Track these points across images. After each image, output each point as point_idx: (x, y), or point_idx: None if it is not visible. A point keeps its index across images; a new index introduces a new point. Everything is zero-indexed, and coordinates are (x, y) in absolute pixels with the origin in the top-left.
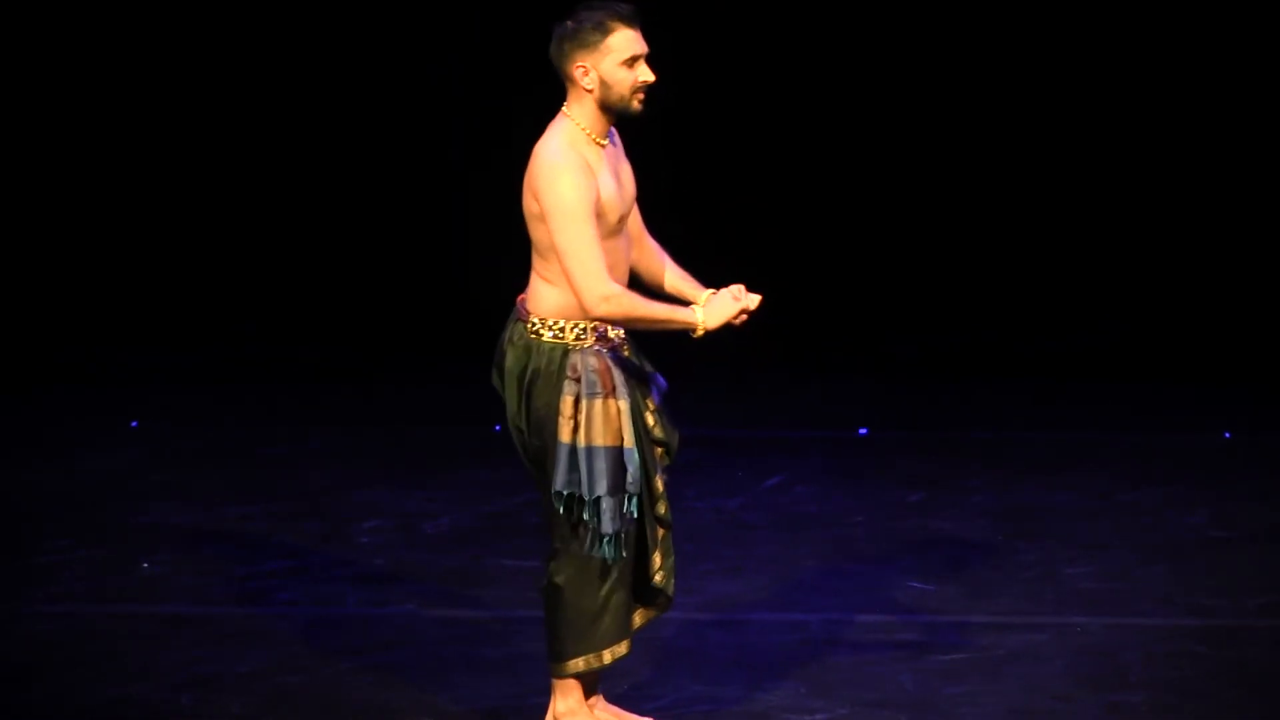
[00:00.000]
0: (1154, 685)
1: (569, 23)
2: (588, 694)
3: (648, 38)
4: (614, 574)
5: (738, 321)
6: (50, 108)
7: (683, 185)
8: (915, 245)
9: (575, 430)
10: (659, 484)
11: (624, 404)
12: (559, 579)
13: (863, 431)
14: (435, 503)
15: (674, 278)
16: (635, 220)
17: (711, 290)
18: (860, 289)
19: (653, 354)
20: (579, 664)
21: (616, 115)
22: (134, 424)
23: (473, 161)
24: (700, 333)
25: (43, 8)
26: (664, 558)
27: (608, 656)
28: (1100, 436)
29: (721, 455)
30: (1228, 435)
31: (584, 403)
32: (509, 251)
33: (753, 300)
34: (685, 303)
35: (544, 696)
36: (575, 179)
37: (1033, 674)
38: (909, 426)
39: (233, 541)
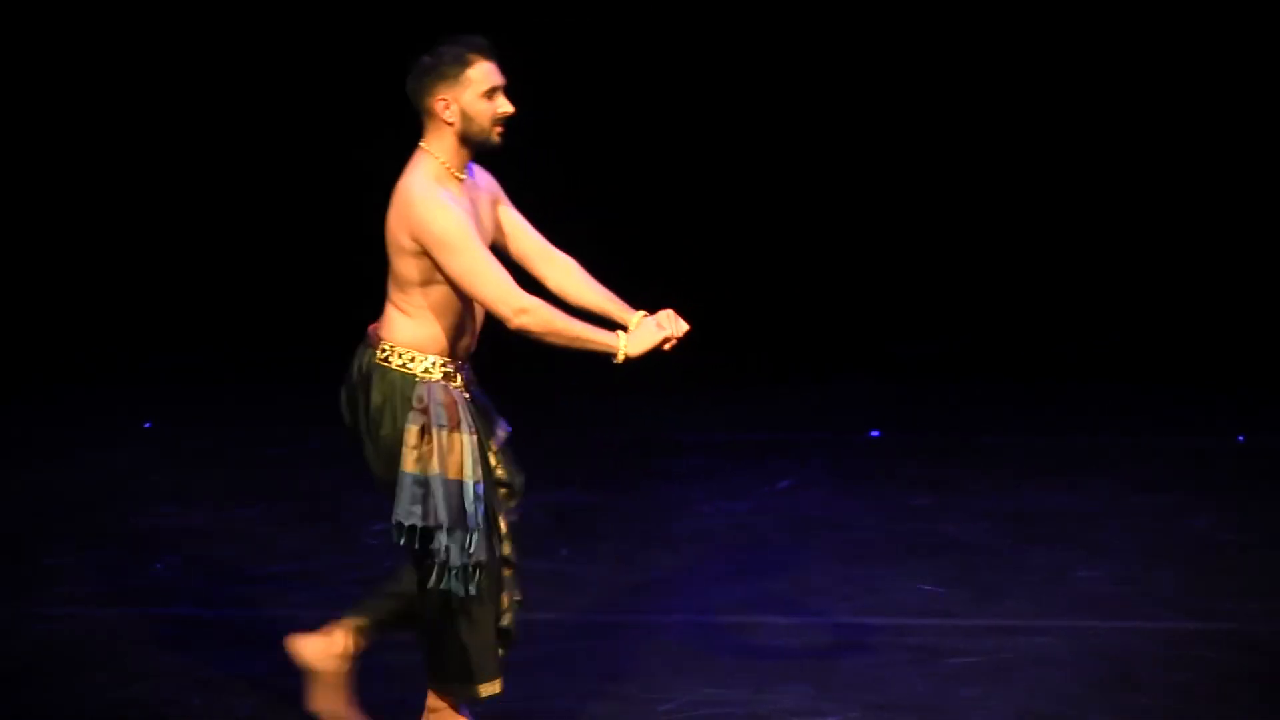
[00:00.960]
0: (1163, 689)
1: (427, 58)
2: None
3: (506, 70)
4: (477, 609)
5: (666, 348)
6: (60, 109)
7: (689, 185)
8: (925, 247)
9: (419, 460)
10: (503, 524)
11: (469, 439)
12: (427, 607)
13: (875, 434)
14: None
15: (599, 297)
16: (534, 241)
17: (644, 313)
18: (869, 291)
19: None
20: (454, 691)
21: (476, 148)
22: (147, 424)
23: None
24: (621, 358)
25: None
26: (509, 598)
27: (483, 691)
28: (1110, 440)
29: (729, 459)
30: (1241, 439)
31: (430, 433)
32: None
33: (680, 328)
34: (610, 324)
35: (556, 699)
36: (453, 210)
37: (1042, 677)
38: (917, 429)
39: (240, 543)
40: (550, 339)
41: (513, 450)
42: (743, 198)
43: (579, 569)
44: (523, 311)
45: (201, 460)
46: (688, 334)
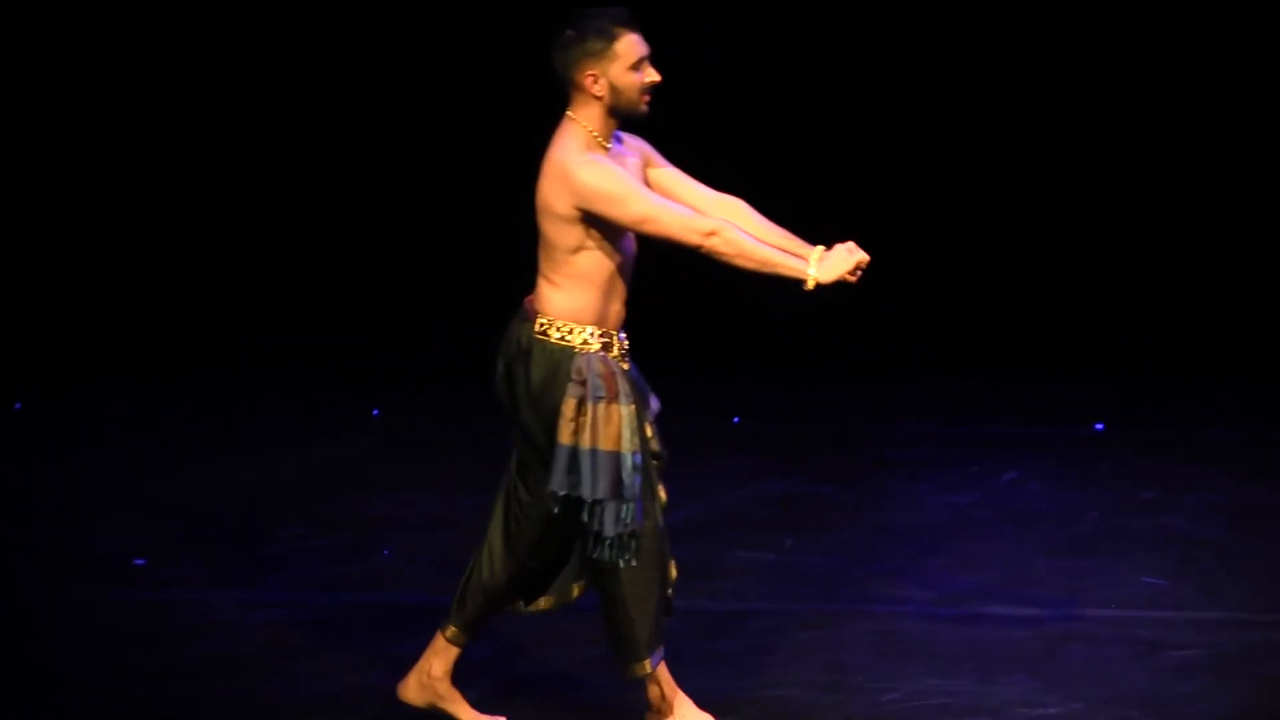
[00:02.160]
0: None
1: (571, 31)
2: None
3: (649, 39)
4: (635, 584)
5: (853, 278)
6: (131, 98)
7: (916, 173)
8: (1154, 240)
9: (576, 432)
10: (662, 494)
11: (627, 410)
12: (609, 590)
13: (1099, 426)
14: (670, 494)
15: (775, 234)
16: (697, 191)
17: (822, 247)
18: (1097, 283)
19: None
20: (633, 670)
21: (624, 118)
22: (375, 412)
23: None
24: (812, 285)
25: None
26: (674, 569)
27: (649, 665)
28: None
29: (953, 451)
30: None
31: (588, 405)
32: None
33: (862, 256)
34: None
35: (780, 689)
36: (610, 164)
37: (1266, 673)
38: (1143, 423)
39: (464, 531)
40: (739, 261)
41: (659, 426)
42: (972, 185)
43: (804, 559)
44: (711, 233)
45: (426, 450)
46: (871, 266)
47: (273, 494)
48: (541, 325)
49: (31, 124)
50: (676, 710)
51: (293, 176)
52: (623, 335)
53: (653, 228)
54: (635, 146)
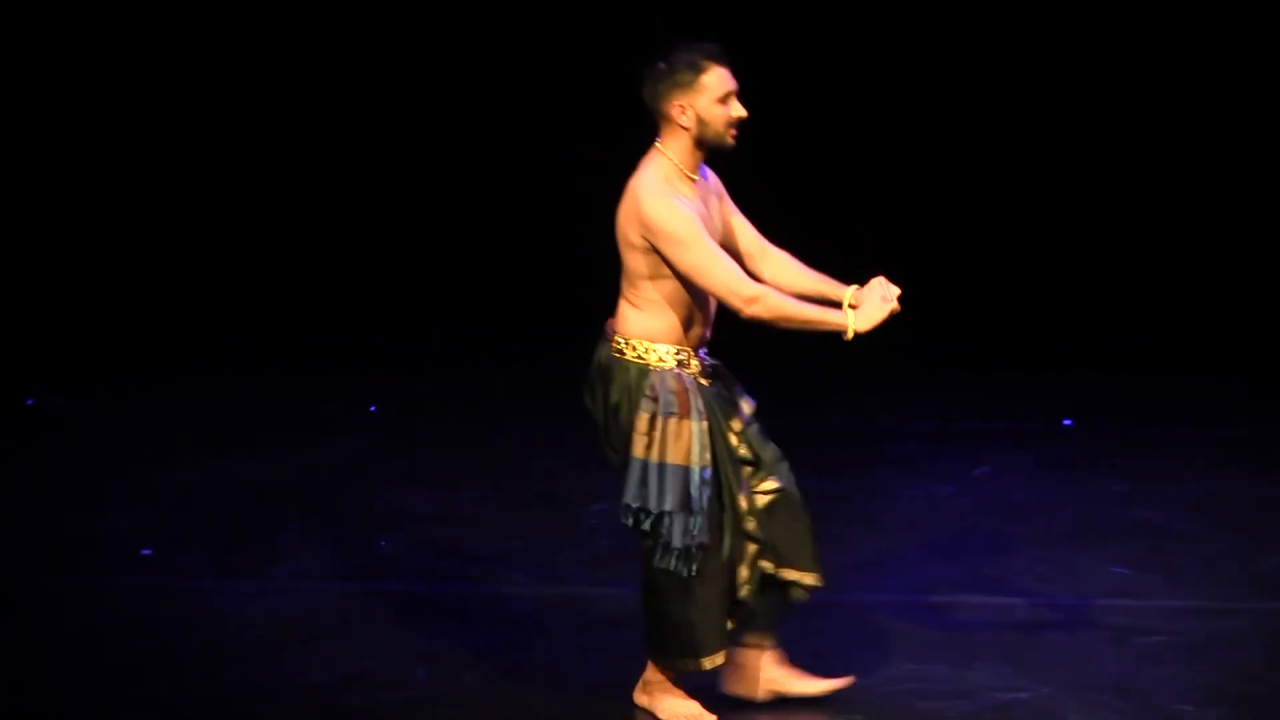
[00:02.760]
0: None
1: (662, 65)
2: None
3: (737, 75)
4: (700, 587)
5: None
6: (145, 98)
7: (894, 176)
8: (1120, 242)
9: (648, 446)
10: (743, 502)
11: (698, 425)
12: (652, 585)
13: (1067, 422)
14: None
15: (813, 281)
16: (752, 238)
17: (854, 287)
18: (1069, 286)
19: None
20: (674, 665)
21: (711, 150)
22: (373, 409)
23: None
24: (850, 335)
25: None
26: (750, 572)
27: (707, 664)
28: None
29: (932, 447)
30: None
31: (659, 420)
32: None
33: (894, 292)
34: (832, 303)
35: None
36: (680, 205)
37: (1231, 657)
38: (1112, 420)
39: (466, 523)
40: (782, 324)
41: (759, 424)
42: (944, 188)
43: None
44: (753, 301)
45: (429, 445)
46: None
47: (274, 488)
48: (619, 344)
49: (39, 125)
50: (661, 694)
51: (288, 175)
52: (703, 353)
53: (701, 280)
54: (715, 182)
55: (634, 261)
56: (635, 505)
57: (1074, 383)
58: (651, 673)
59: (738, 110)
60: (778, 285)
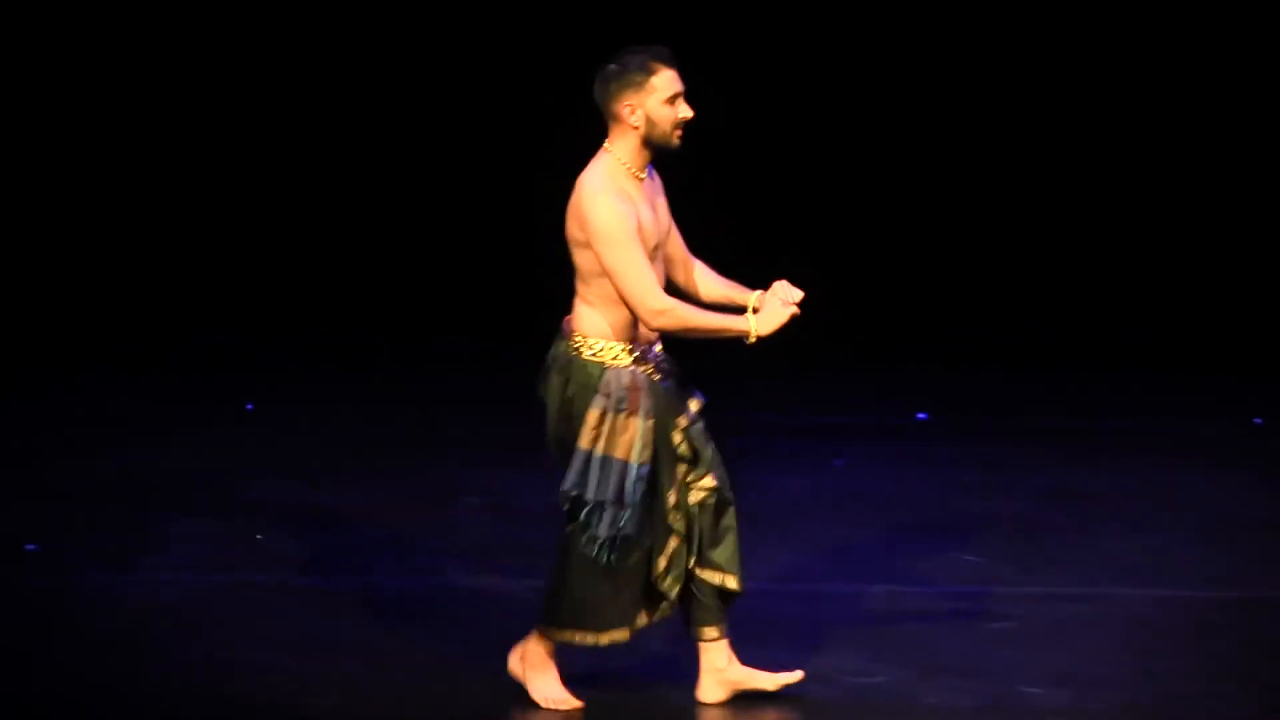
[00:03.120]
0: (1189, 654)
1: (613, 66)
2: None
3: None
4: (616, 572)
5: (787, 319)
6: (136, 98)
7: (731, 179)
8: (972, 241)
9: (595, 440)
10: (672, 497)
11: (644, 424)
12: (568, 559)
13: (921, 416)
14: (527, 480)
15: (720, 286)
16: (680, 246)
17: (759, 291)
18: (920, 284)
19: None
20: (568, 635)
21: (657, 150)
22: (249, 406)
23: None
24: (753, 339)
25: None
26: (671, 566)
27: (604, 639)
28: (1142, 423)
29: (789, 440)
30: (1259, 421)
31: (609, 416)
32: None
33: (796, 295)
34: (737, 309)
35: (625, 659)
36: (618, 206)
37: (1077, 641)
38: (964, 413)
39: (341, 516)
40: (687, 334)
41: (704, 421)
42: (806, 187)
43: None
44: (661, 314)
45: (304, 441)
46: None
47: (156, 484)
48: (576, 343)
49: None
50: (542, 670)
51: (181, 174)
52: (656, 350)
53: (617, 283)
54: (658, 184)
55: (581, 259)
56: (573, 493)
57: (928, 378)
58: (534, 644)
59: (684, 111)
60: (690, 289)
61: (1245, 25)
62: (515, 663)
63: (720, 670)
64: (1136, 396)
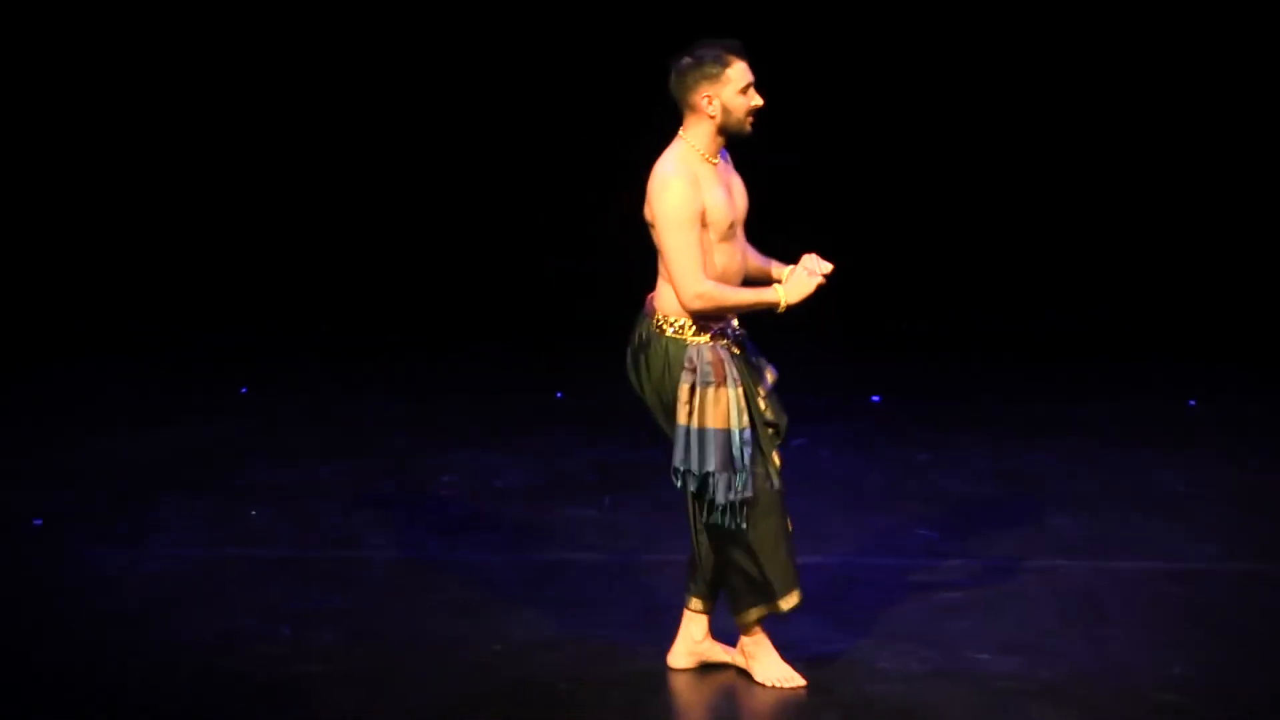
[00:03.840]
0: (1129, 622)
1: (688, 59)
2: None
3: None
4: (756, 537)
5: (814, 288)
6: (132, 94)
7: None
8: (922, 232)
9: (690, 414)
10: (776, 458)
11: (734, 391)
12: (716, 548)
13: (875, 399)
14: (505, 460)
15: (757, 260)
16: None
17: (791, 266)
18: (876, 274)
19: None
20: (756, 614)
21: (731, 137)
22: (244, 390)
23: (534, 171)
24: (783, 308)
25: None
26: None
27: (784, 606)
28: (1085, 406)
29: None
30: (1192, 403)
31: (698, 390)
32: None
33: (825, 267)
34: (768, 282)
35: (602, 630)
36: (682, 191)
37: (1023, 611)
38: (918, 397)
39: (328, 494)
40: (722, 312)
41: (777, 394)
42: (758, 172)
43: (622, 517)
44: (699, 296)
45: (294, 423)
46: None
47: (154, 464)
48: (659, 321)
49: None
50: (762, 657)
51: (167, 167)
52: (734, 324)
53: (666, 260)
54: (729, 165)
55: (657, 241)
56: (681, 468)
57: (883, 364)
58: (743, 636)
59: (756, 100)
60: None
61: (1189, 15)
62: (737, 659)
63: (696, 642)
64: (1079, 381)
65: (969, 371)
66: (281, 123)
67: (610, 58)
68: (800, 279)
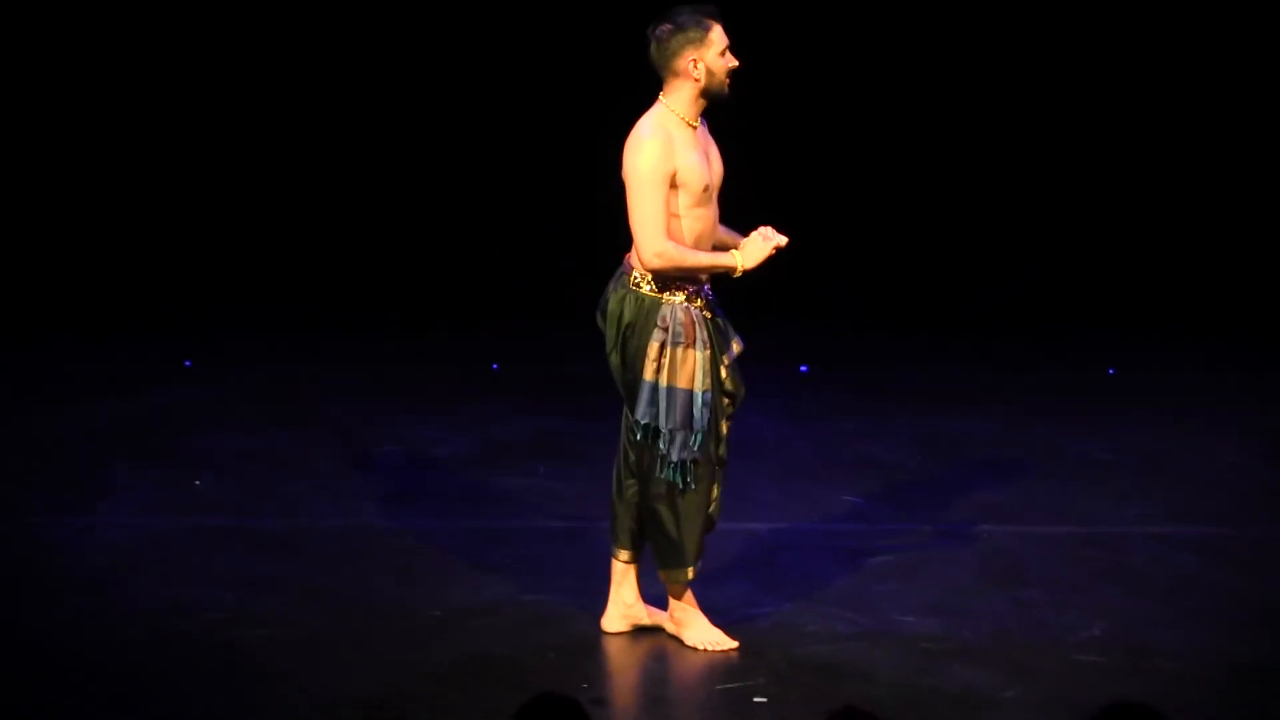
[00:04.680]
0: (1050, 584)
1: (667, 25)
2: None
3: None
4: (689, 503)
5: (770, 253)
6: (113, 85)
7: None
8: (849, 208)
9: (658, 371)
10: (723, 428)
11: (702, 354)
12: (652, 501)
13: (803, 369)
14: (445, 430)
15: (723, 233)
16: None
17: (748, 237)
18: (803, 245)
19: None
20: (680, 574)
21: (712, 99)
22: (187, 364)
23: (494, 156)
24: (739, 273)
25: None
26: (717, 490)
27: (692, 572)
28: (1005, 375)
29: None
30: (1111, 371)
31: (668, 349)
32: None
33: (781, 239)
34: (727, 250)
35: (539, 595)
36: (654, 151)
37: (948, 574)
38: (844, 365)
39: (271, 463)
40: (681, 272)
41: (739, 365)
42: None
43: (556, 484)
44: (658, 255)
45: (239, 394)
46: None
47: (102, 434)
48: (635, 278)
49: None
50: (692, 623)
51: (111, 140)
52: (707, 288)
53: (630, 218)
54: (708, 133)
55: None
56: (644, 421)
57: (809, 334)
58: (673, 599)
59: (733, 61)
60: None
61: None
62: (667, 625)
63: (629, 606)
64: (999, 350)
65: (895, 341)
66: (225, 95)
67: (556, 40)
68: (756, 244)
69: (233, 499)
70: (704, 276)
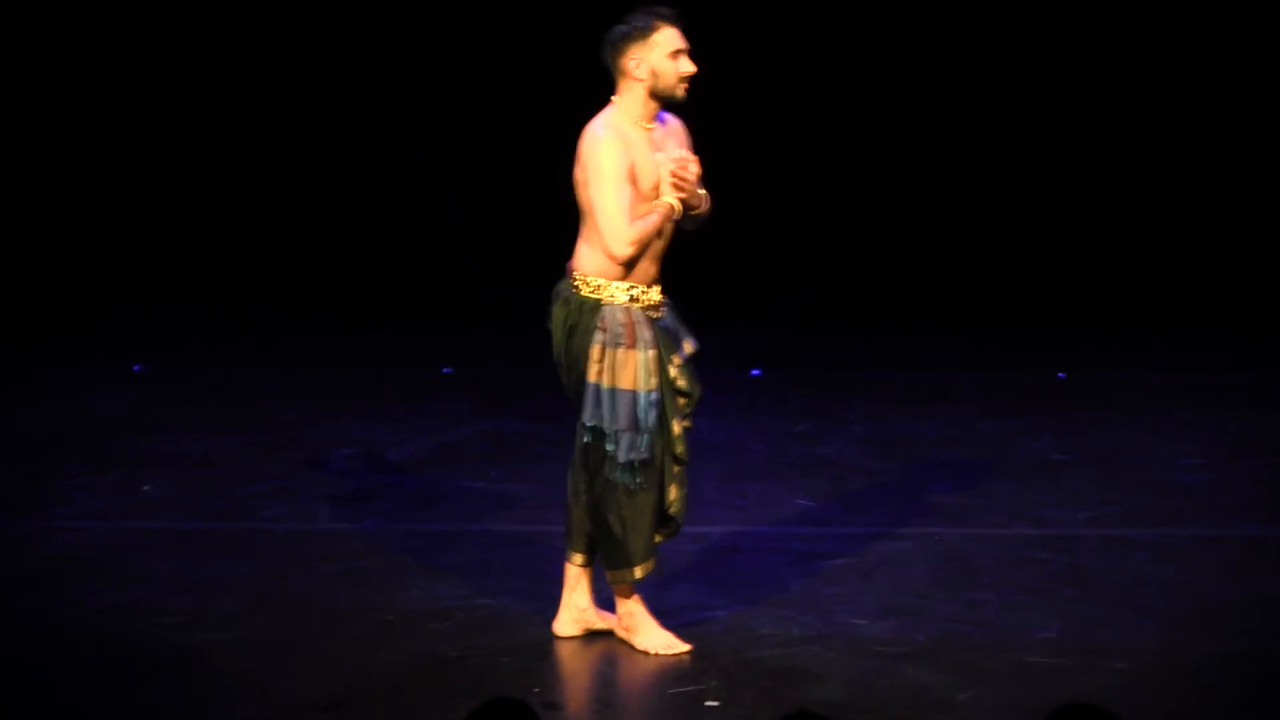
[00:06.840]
0: (1003, 585)
1: (620, 25)
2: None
3: (689, 36)
4: (638, 506)
5: (685, 182)
6: (101, 82)
7: None
8: (799, 209)
9: (600, 373)
10: (676, 427)
11: (644, 355)
12: (601, 504)
13: (755, 372)
14: (397, 433)
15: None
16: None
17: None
18: (758, 249)
19: None
20: (625, 575)
21: (664, 101)
22: (136, 368)
23: (448, 153)
24: (678, 210)
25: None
26: (678, 490)
27: (639, 572)
28: (958, 377)
29: None
30: (1062, 376)
31: (608, 351)
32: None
33: (685, 155)
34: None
35: (490, 599)
36: (613, 147)
37: (900, 576)
38: (795, 367)
39: (223, 467)
40: (647, 240)
41: (693, 364)
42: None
43: (510, 487)
44: (631, 243)
45: (190, 398)
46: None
47: (52, 439)
48: (576, 281)
49: None
50: (641, 627)
51: (62, 144)
52: (653, 290)
53: (596, 214)
54: (676, 129)
55: (584, 200)
56: (590, 424)
57: (761, 337)
58: (620, 601)
59: (686, 66)
60: None
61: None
62: (618, 631)
63: (581, 610)
64: (952, 353)
65: (847, 343)
66: (174, 101)
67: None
68: (668, 180)
69: (186, 502)
70: (655, 275)
